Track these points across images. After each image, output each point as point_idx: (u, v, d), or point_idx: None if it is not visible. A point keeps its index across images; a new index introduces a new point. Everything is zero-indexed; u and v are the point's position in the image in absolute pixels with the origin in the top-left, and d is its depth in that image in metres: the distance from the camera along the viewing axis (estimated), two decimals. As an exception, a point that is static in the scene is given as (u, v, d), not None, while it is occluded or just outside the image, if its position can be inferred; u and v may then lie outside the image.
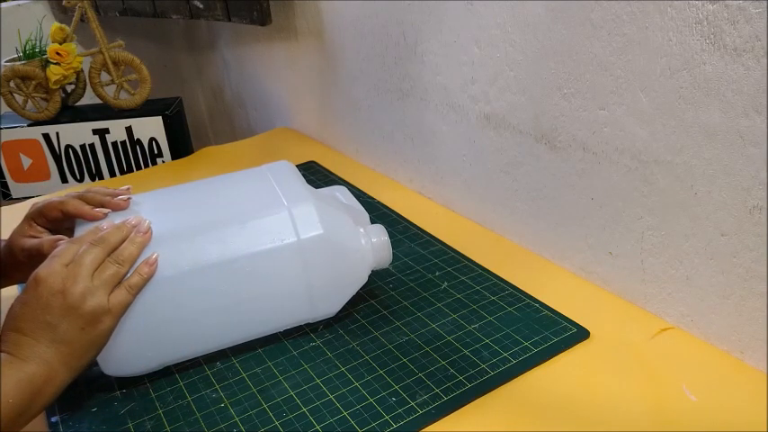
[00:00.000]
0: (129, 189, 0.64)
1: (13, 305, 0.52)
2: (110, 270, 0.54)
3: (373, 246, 0.64)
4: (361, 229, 0.65)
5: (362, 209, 0.71)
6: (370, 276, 0.65)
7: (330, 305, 0.64)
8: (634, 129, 0.59)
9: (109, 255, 0.55)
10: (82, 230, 0.59)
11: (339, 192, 0.72)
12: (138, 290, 0.54)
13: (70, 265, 0.53)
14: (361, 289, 0.65)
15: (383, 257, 0.65)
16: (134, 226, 0.57)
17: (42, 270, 0.53)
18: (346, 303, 0.64)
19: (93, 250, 0.54)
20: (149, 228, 0.57)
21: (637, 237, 0.63)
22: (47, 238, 0.61)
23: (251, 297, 0.60)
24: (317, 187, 0.71)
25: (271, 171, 0.68)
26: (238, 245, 0.58)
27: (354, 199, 0.72)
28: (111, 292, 0.54)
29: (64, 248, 0.55)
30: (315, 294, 0.61)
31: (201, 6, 1.19)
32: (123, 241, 0.56)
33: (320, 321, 0.65)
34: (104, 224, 0.58)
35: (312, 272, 0.60)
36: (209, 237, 0.59)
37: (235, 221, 0.60)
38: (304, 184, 0.66)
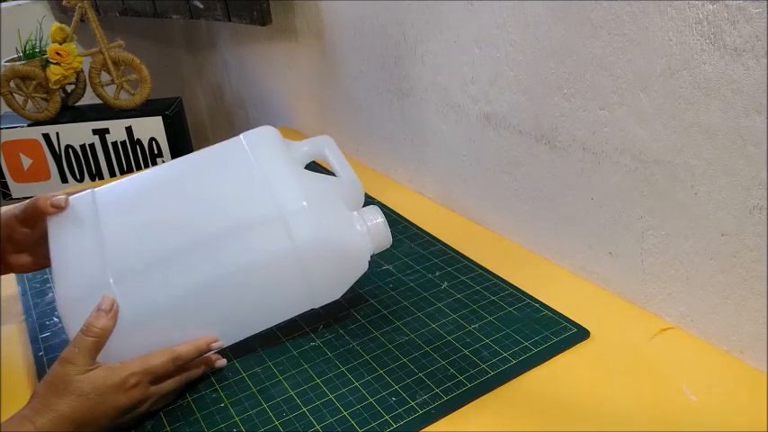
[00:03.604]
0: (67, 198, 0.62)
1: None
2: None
3: (369, 230, 0.62)
4: (355, 213, 0.62)
5: (353, 176, 0.67)
6: (369, 276, 0.65)
7: (332, 295, 0.62)
8: (634, 129, 0.59)
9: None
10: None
11: (327, 147, 0.68)
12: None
13: None
14: (360, 289, 0.65)
15: (381, 241, 0.62)
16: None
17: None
18: (346, 303, 0.64)
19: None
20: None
21: (637, 237, 0.63)
22: None
23: (252, 305, 0.59)
24: None
25: (251, 148, 0.64)
26: (232, 260, 0.57)
27: (341, 156, 0.68)
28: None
29: None
30: (315, 292, 0.61)
31: (201, 6, 1.19)
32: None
33: (320, 321, 0.65)
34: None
35: (311, 273, 0.59)
36: (201, 255, 0.57)
37: (226, 234, 0.58)
38: (289, 165, 0.63)
